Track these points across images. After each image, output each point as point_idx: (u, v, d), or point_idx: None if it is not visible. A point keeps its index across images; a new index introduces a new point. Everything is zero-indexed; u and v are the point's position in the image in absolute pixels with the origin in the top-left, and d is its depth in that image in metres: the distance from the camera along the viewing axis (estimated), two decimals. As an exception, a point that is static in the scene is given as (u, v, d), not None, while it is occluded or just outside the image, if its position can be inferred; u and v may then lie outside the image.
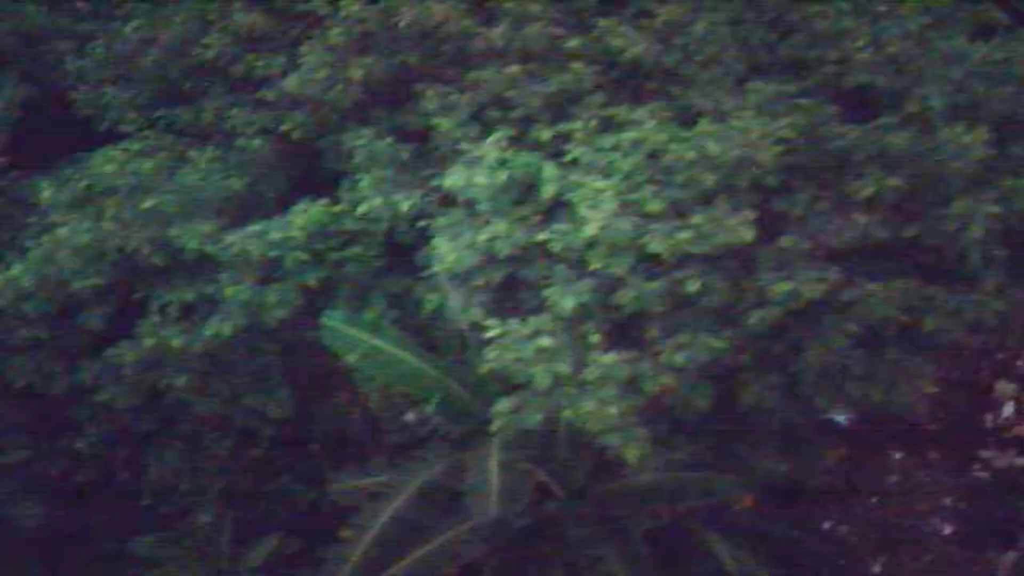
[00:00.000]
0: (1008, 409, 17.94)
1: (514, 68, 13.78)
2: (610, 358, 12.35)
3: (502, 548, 15.06)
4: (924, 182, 12.42)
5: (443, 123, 14.11)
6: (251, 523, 16.77)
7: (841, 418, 17.69)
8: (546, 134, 13.58)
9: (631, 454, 12.32)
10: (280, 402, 15.78)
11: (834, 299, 12.20)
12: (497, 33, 13.91)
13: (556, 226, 12.55)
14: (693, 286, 12.27)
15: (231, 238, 14.28)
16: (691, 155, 12.21)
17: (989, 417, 17.86)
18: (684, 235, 12.02)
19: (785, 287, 11.99)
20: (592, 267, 12.33)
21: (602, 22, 13.73)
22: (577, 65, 13.70)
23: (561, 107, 13.80)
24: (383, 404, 16.42)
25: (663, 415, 13.20)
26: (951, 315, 12.19)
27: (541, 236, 12.63)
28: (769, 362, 12.83)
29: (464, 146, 13.77)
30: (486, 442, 14.16)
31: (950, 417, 17.90)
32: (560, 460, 14.98)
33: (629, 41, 13.56)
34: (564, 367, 12.53)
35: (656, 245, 12.05)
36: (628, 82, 13.94)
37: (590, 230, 12.10)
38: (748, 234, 11.98)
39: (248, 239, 14.21)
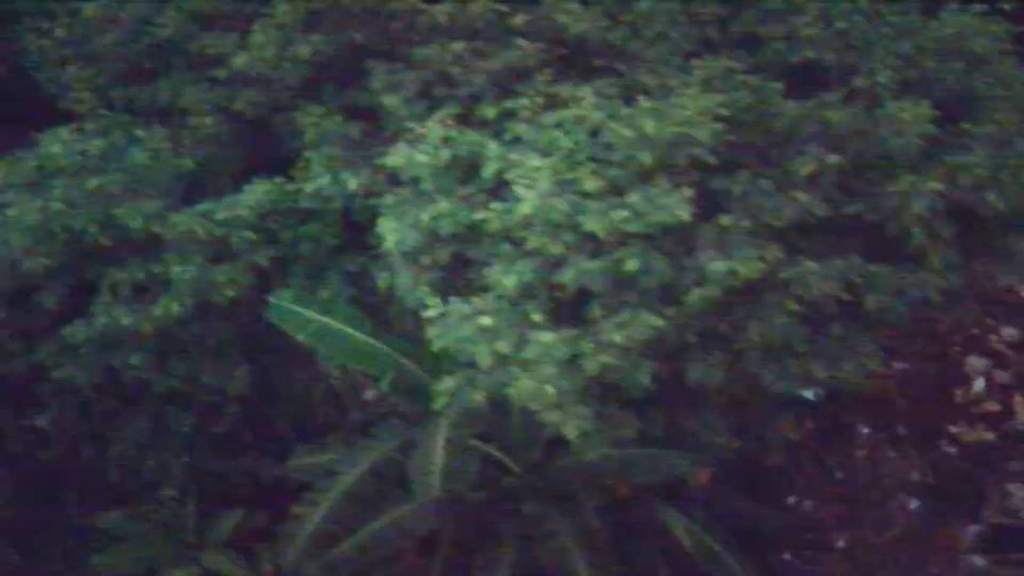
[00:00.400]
0: (979, 384, 17.80)
1: (458, 45, 13.72)
2: (549, 337, 12.30)
3: (457, 523, 15.22)
4: (867, 159, 12.27)
5: (390, 101, 14.05)
6: (217, 499, 16.95)
7: (809, 393, 17.62)
8: (491, 112, 13.54)
9: (571, 431, 12.30)
10: (239, 380, 15.91)
11: (774, 277, 12.11)
12: (441, 10, 13.82)
13: (493, 205, 12.49)
14: (632, 265, 12.21)
15: (177, 217, 14.31)
16: (628, 133, 12.10)
17: (959, 392, 17.73)
18: (620, 214, 11.91)
19: (722, 266, 11.88)
20: (529, 246, 12.27)
21: (548, -1, 13.63)
22: (522, 42, 13.61)
23: (507, 84, 13.72)
24: (344, 382, 16.55)
25: (610, 393, 13.20)
26: (894, 293, 12.06)
27: (480, 215, 12.57)
28: (714, 340, 12.77)
29: (409, 124, 13.74)
30: (438, 420, 14.26)
31: (919, 392, 17.80)
32: (514, 436, 15.09)
33: (574, 17, 13.43)
34: (505, 346, 12.49)
35: (591, 224, 11.97)
36: (575, 59, 13.83)
37: (525, 209, 12.03)
38: (685, 213, 11.87)
39: (194, 218, 14.23)
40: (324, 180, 14.30)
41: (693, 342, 12.74)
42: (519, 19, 13.73)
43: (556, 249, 12.16)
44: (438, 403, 13.06)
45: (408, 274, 13.89)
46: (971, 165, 12.17)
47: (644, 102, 12.20)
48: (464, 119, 13.77)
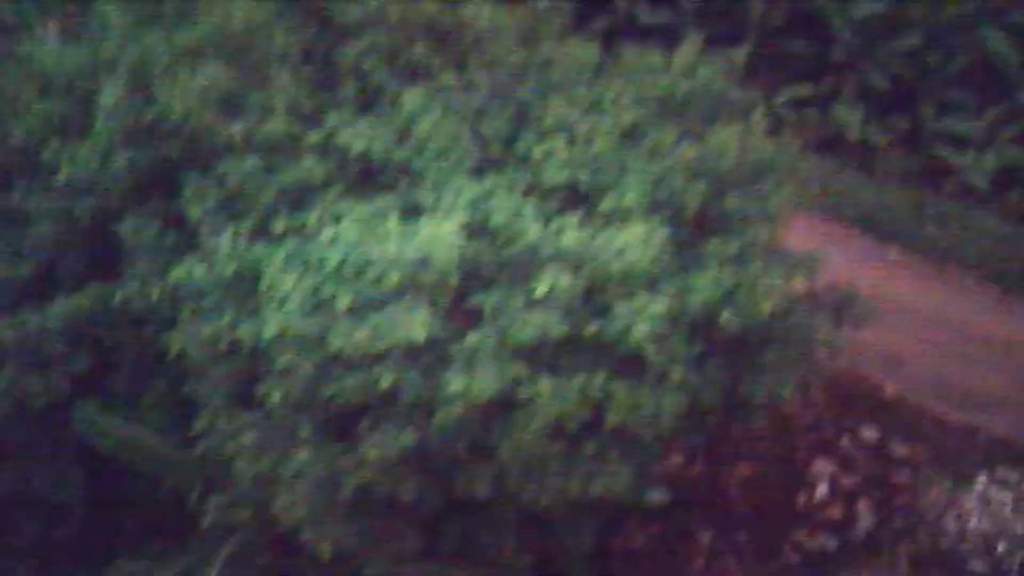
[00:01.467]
0: (823, 489, 17.45)
1: (252, 161, 14.11)
2: (305, 454, 12.48)
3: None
4: (604, 279, 12.30)
5: (194, 212, 14.46)
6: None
7: (655, 497, 17.39)
8: (280, 226, 13.86)
9: (324, 551, 12.39)
10: (72, 484, 16.10)
11: (516, 395, 12.14)
12: (238, 129, 14.20)
13: (245, 324, 12.75)
14: (386, 381, 12.36)
15: (-12, 327, 14.70)
16: (376, 253, 12.34)
17: (803, 497, 17.39)
18: (362, 333, 12.12)
19: (460, 384, 11.99)
20: (279, 364, 12.49)
21: (332, 116, 13.95)
22: (309, 159, 13.93)
23: (300, 199, 14.06)
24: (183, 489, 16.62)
25: (395, 508, 13.25)
26: (630, 409, 12.03)
27: (240, 332, 12.83)
28: (479, 454, 12.82)
29: (209, 236, 14.10)
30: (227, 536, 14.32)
31: (763, 497, 17.49)
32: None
33: (355, 135, 13.73)
34: (268, 463, 12.70)
35: (337, 342, 12.18)
36: (363, 176, 14.11)
37: (272, 328, 12.29)
38: (421, 333, 12.02)
39: (3, 328, 14.65)
40: (133, 288, 14.73)
41: (463, 456, 12.83)
42: (313, 137, 14.09)
43: (305, 367, 12.38)
44: (207, 520, 13.25)
45: (206, 383, 14.21)
46: (698, 287, 12.23)
47: (391, 223, 12.44)
48: (260, 232, 14.16)
